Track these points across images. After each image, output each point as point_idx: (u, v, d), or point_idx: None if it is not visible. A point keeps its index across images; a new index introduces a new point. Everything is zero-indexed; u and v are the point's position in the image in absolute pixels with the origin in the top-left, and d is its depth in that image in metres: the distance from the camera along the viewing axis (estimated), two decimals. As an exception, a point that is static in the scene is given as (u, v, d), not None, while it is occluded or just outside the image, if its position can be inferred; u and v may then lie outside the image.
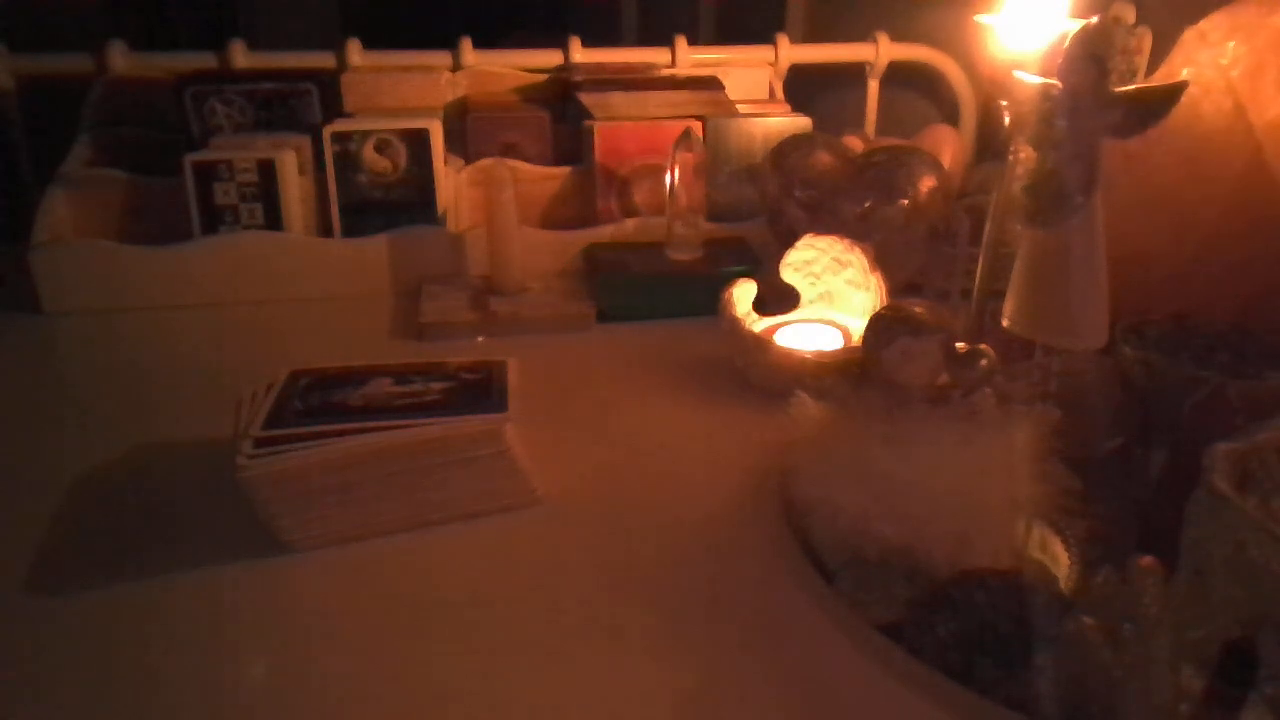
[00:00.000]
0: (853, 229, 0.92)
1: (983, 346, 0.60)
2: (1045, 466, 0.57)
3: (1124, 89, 0.62)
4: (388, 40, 1.17)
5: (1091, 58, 0.60)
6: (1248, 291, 0.72)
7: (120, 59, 1.08)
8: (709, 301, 0.85)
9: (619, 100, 1.12)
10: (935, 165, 0.97)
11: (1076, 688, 0.47)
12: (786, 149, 1.02)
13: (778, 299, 0.88)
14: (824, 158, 1.01)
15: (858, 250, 0.85)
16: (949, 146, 1.15)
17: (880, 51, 1.28)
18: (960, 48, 1.26)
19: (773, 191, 1.02)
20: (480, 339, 0.92)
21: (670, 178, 0.97)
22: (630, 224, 1.07)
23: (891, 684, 0.52)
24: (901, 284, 0.94)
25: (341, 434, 0.60)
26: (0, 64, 1.07)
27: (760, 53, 1.26)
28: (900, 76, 1.32)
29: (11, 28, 1.11)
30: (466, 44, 1.16)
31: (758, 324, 0.85)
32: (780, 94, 1.28)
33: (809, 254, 0.87)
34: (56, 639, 0.55)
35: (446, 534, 0.64)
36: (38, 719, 0.50)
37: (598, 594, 0.59)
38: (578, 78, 1.16)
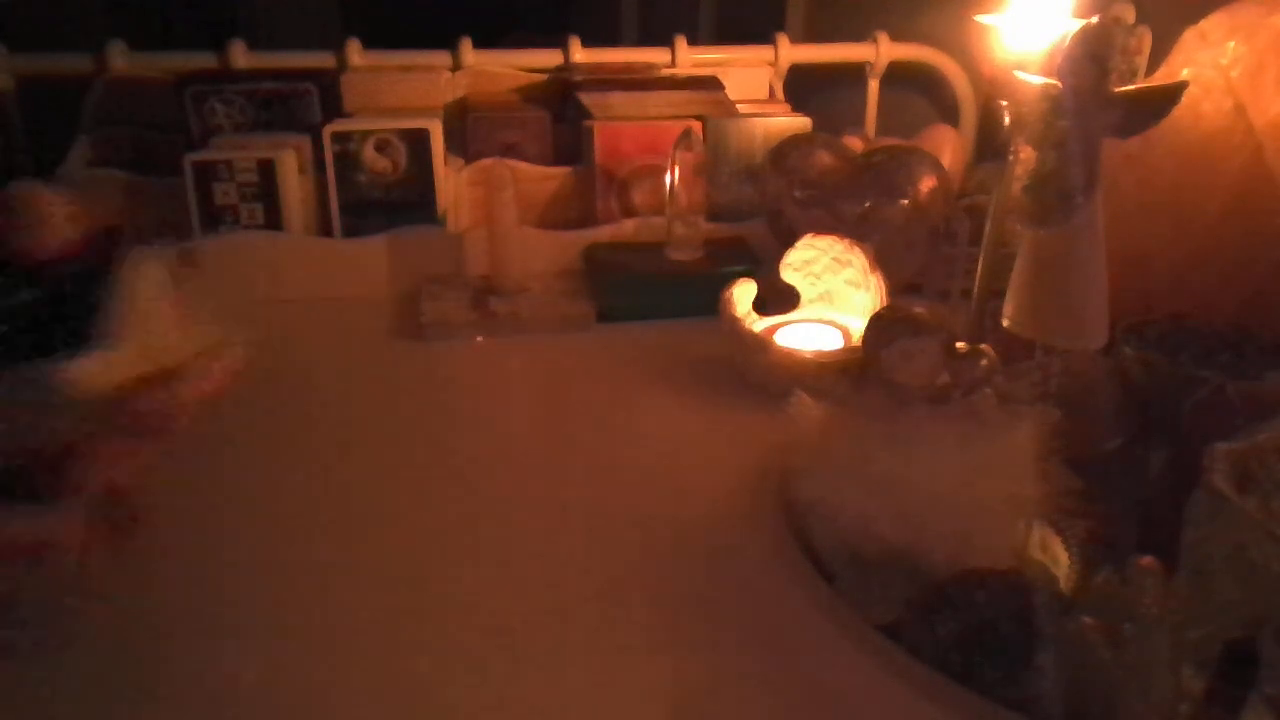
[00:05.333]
0: (853, 229, 0.92)
1: (983, 346, 0.60)
2: (1045, 466, 0.57)
3: (1124, 89, 0.62)
4: (388, 40, 1.17)
5: (1091, 58, 0.60)
6: (1248, 291, 0.72)
7: (120, 59, 1.08)
8: (709, 301, 0.85)
9: (619, 100, 1.12)
10: (935, 165, 0.97)
11: (1076, 688, 0.47)
12: (786, 149, 1.02)
13: (778, 299, 0.88)
14: (824, 158, 1.01)
15: (858, 250, 0.85)
16: (949, 146, 1.15)
17: (880, 51, 1.28)
18: (960, 48, 1.26)
19: (773, 191, 1.02)
20: (480, 339, 0.92)
21: (670, 178, 0.97)
22: (630, 224, 1.07)
23: (891, 684, 0.52)
24: (901, 284, 0.94)
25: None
26: (0, 64, 1.07)
27: (760, 53, 1.26)
28: (900, 76, 1.32)
29: (11, 28, 1.11)
30: (466, 44, 1.16)
31: (758, 324, 0.85)
32: (780, 94, 1.28)
33: (809, 254, 0.87)
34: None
35: (447, 533, 0.65)
36: None
37: (597, 594, 0.59)
38: (578, 78, 1.16)
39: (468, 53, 1.16)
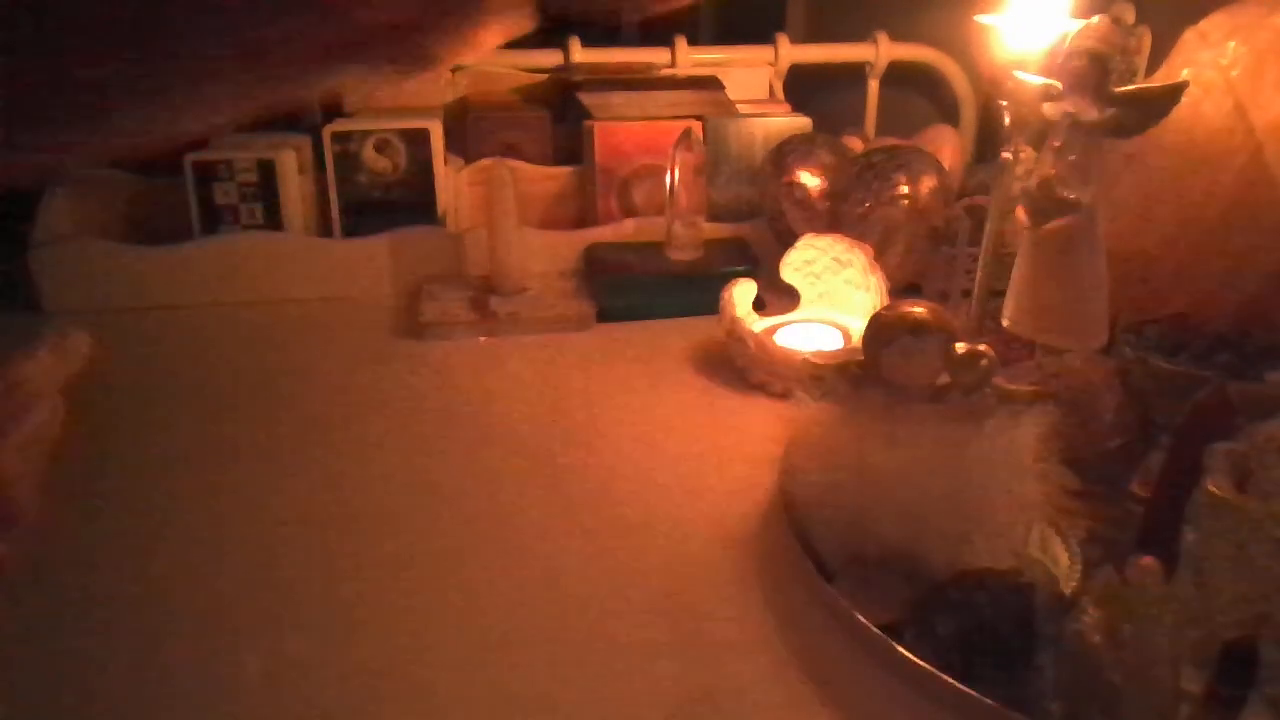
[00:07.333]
0: (853, 229, 0.92)
1: (983, 346, 0.60)
2: (1045, 466, 0.57)
3: (1124, 89, 0.62)
4: (387, 40, 1.16)
5: (1091, 58, 0.60)
6: (1248, 291, 0.72)
7: (120, 59, 1.08)
8: (709, 301, 0.85)
9: (619, 100, 1.12)
10: (935, 165, 0.97)
11: (1076, 688, 0.47)
12: (786, 149, 1.02)
13: (778, 299, 0.88)
14: (824, 158, 1.01)
15: (858, 250, 0.85)
16: (949, 146, 1.15)
17: (880, 51, 1.28)
18: (960, 48, 1.26)
19: (773, 191, 1.02)
20: (481, 339, 0.92)
21: (670, 178, 0.97)
22: (630, 224, 1.07)
23: (892, 684, 0.52)
24: (901, 284, 0.94)
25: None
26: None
27: (760, 53, 1.26)
28: (900, 76, 1.32)
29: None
30: (466, 44, 1.16)
31: (758, 324, 0.85)
32: (780, 94, 1.28)
33: (809, 254, 0.87)
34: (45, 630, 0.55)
35: (446, 532, 0.65)
36: None
37: (597, 594, 0.59)
38: (578, 78, 1.16)
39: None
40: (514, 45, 1.19)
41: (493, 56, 1.18)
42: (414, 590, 0.60)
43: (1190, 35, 0.77)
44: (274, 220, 0.99)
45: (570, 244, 1.05)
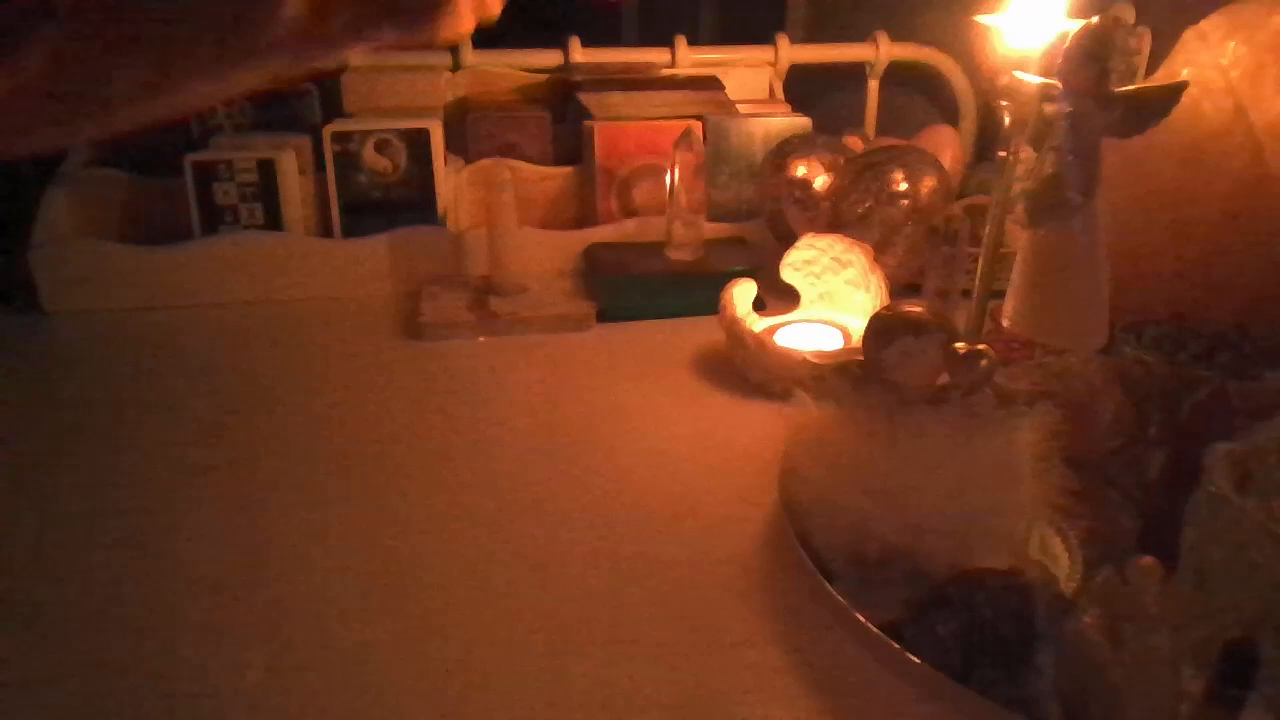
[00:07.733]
0: (853, 229, 0.92)
1: (983, 346, 0.60)
2: (1045, 466, 0.57)
3: (1124, 89, 0.62)
4: (388, 40, 1.16)
5: (1091, 58, 0.60)
6: (1248, 291, 0.72)
7: (120, 59, 1.08)
8: (709, 301, 0.85)
9: (619, 100, 1.12)
10: (935, 165, 0.97)
11: (1076, 688, 0.47)
12: (786, 149, 1.02)
13: (778, 299, 0.88)
14: (824, 158, 1.01)
15: (858, 250, 0.85)
16: (949, 146, 1.15)
17: (880, 51, 1.28)
18: (960, 48, 1.26)
19: (772, 191, 1.02)
20: (481, 339, 0.92)
21: (670, 178, 0.97)
22: (630, 224, 1.07)
23: (892, 683, 0.52)
24: (901, 284, 0.94)
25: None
26: (0, 64, 1.07)
27: (760, 53, 1.26)
28: (900, 76, 1.32)
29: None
30: (467, 44, 1.16)
31: (758, 324, 0.85)
32: (780, 94, 1.28)
33: (809, 254, 0.87)
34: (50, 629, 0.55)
35: (446, 534, 0.65)
36: None
37: (597, 595, 0.59)
38: (578, 78, 1.16)
39: (468, 53, 1.16)
40: (514, 45, 1.19)
41: (493, 56, 1.18)
42: (411, 588, 0.60)
43: (1190, 35, 0.77)
44: (274, 220, 0.99)
45: (570, 244, 1.05)
